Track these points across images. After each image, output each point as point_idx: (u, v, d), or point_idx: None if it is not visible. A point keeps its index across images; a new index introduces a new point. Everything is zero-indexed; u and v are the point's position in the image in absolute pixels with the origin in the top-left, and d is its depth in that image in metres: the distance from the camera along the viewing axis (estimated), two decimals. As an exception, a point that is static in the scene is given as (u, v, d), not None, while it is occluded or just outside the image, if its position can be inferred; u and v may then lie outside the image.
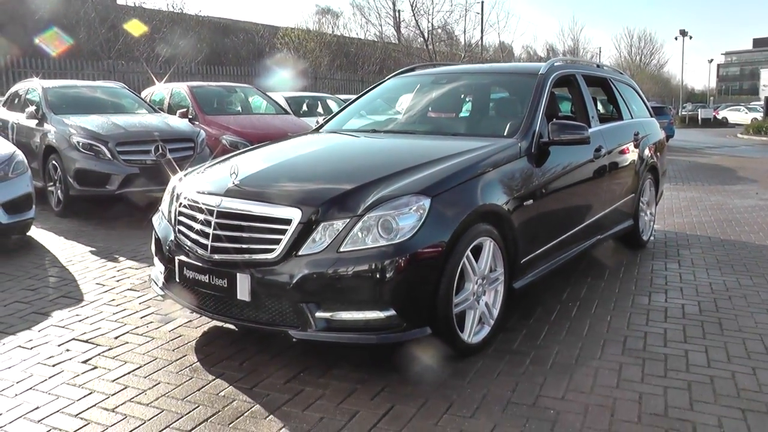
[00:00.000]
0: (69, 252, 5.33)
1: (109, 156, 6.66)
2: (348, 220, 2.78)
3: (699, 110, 39.51)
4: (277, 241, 2.81)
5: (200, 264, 3.00)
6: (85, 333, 3.50)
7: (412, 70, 5.02)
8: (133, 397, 2.72)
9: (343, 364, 3.03)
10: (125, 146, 6.76)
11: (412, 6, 35.26)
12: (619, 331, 3.57)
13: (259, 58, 25.20)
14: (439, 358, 3.04)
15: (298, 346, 3.25)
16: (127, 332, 3.51)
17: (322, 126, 4.60)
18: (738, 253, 5.45)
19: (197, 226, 3.08)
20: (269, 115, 9.74)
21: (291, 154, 3.74)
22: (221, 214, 2.97)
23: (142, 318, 3.74)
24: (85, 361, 3.12)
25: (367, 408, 2.61)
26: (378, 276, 2.72)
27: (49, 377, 2.95)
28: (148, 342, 3.36)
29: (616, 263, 5.04)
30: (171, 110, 9.14)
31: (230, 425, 2.48)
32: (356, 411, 2.59)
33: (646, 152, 5.39)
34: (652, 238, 5.81)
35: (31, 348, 3.31)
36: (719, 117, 38.54)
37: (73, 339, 3.42)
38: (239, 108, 9.89)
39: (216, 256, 2.95)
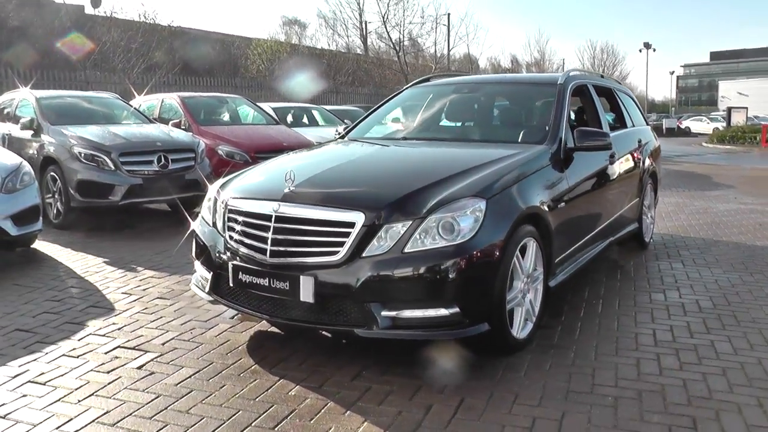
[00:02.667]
0: (82, 263, 5.28)
1: (112, 166, 6.61)
2: (411, 222, 2.89)
3: (663, 120, 40.83)
4: (341, 244, 2.90)
5: (258, 268, 3.06)
6: (129, 341, 3.50)
7: (428, 80, 5.17)
8: (203, 400, 2.76)
9: (399, 362, 3.12)
10: (128, 157, 6.72)
11: (383, 18, 35.72)
12: (647, 325, 3.75)
13: (235, 68, 25.10)
14: (481, 355, 3.17)
15: (348, 347, 3.33)
16: (172, 339, 3.53)
17: (346, 133, 4.69)
18: (732, 252, 5.73)
19: (253, 231, 3.14)
20: (262, 125, 9.77)
21: (334, 160, 3.83)
22: (280, 219, 3.03)
23: (182, 325, 3.76)
24: (139, 368, 3.14)
25: (439, 402, 2.71)
26: (443, 275, 2.83)
27: (108, 383, 2.96)
28: (197, 347, 3.39)
29: (624, 264, 5.25)
30: (162, 121, 9.08)
31: (311, 421, 2.55)
32: (430, 404, 2.68)
33: (648, 159, 5.64)
34: (651, 240, 6.06)
35: (78, 356, 3.30)
36: (682, 127, 39.90)
37: (119, 347, 3.42)
38: (231, 118, 9.89)
39: (276, 260, 3.01)
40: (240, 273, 3.14)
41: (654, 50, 47.06)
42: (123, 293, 4.42)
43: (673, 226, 7.12)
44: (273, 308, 3.10)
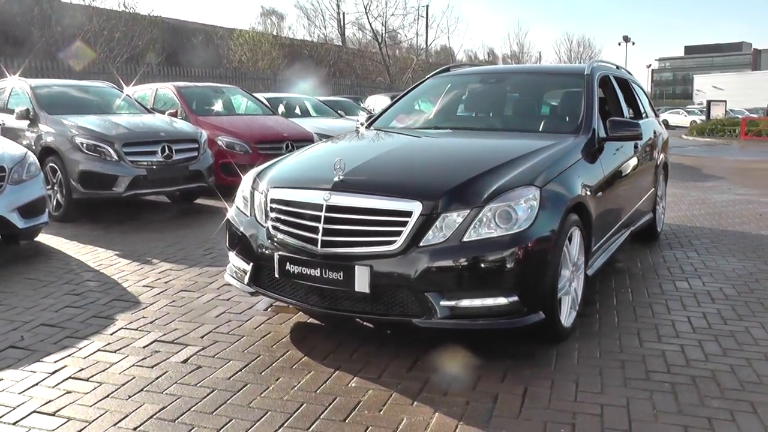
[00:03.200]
0: (93, 256, 5.14)
1: (116, 157, 6.45)
2: (469, 211, 2.86)
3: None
4: (398, 233, 2.86)
5: (308, 258, 3.00)
6: (165, 334, 3.42)
7: (447, 70, 5.12)
8: (262, 393, 2.70)
9: (449, 351, 3.09)
10: (132, 147, 6.56)
11: (365, 9, 35.53)
12: (680, 312, 3.78)
13: (219, 59, 24.74)
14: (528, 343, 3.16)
15: (393, 337, 3.29)
16: (210, 332, 3.45)
17: (371, 123, 4.62)
18: (742, 242, 5.81)
19: (301, 221, 3.07)
20: (259, 115, 9.62)
21: (376, 149, 3.77)
22: (331, 209, 2.97)
23: (216, 317, 3.68)
24: (184, 362, 3.06)
25: (503, 391, 2.69)
26: (502, 264, 2.81)
27: (155, 378, 2.88)
28: (239, 340, 3.32)
29: (640, 254, 5.29)
30: (156, 112, 8.91)
31: (381, 412, 2.51)
32: (495, 393, 2.67)
33: (661, 150, 5.69)
34: (661, 230, 6.12)
35: (115, 351, 3.21)
36: (660, 120, 40.49)
37: (156, 341, 3.33)
38: (227, 108, 9.72)
39: (327, 250, 2.96)
40: (287, 263, 3.07)
41: (633, 44, 47.64)
42: (144, 286, 4.31)
43: (677, 216, 7.21)
44: (322, 299, 3.04)
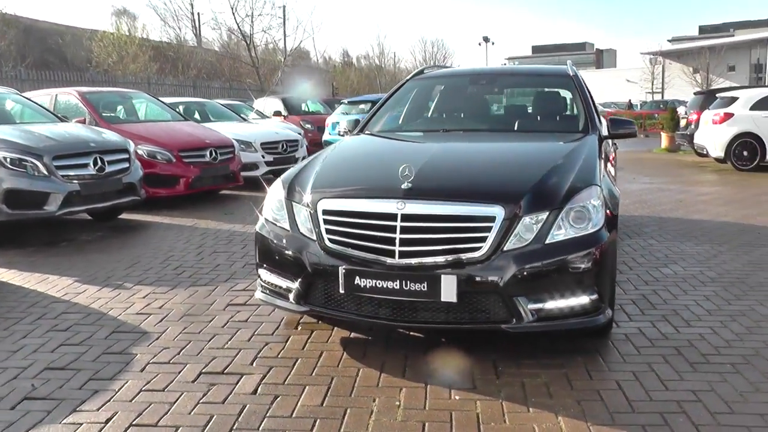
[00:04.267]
0: (50, 285, 4.53)
1: (45, 172, 5.75)
2: (548, 213, 2.89)
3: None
4: (482, 239, 2.82)
5: (384, 271, 2.87)
6: (207, 365, 3.10)
7: (422, 72, 5.10)
8: (371, 417, 2.54)
9: (518, 352, 3.12)
10: (62, 160, 5.89)
11: (232, 9, 34.40)
12: (684, 297, 4.05)
13: (80, 61, 22.73)
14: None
15: (444, 344, 3.24)
16: (256, 357, 3.18)
17: (363, 128, 4.49)
18: (684, 226, 6.34)
19: (369, 233, 2.93)
20: (175, 122, 9.01)
21: (418, 153, 3.67)
22: (408, 218, 2.87)
23: (249, 341, 3.39)
24: (254, 392, 2.80)
25: (601, 388, 2.76)
26: (585, 264, 2.88)
27: (239, 414, 2.61)
28: (296, 363, 3.09)
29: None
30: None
31: (506, 423, 2.47)
32: (595, 389, 2.74)
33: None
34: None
35: (163, 389, 2.86)
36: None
37: (203, 373, 3.01)
38: (137, 115, 9.02)
39: (407, 261, 2.85)
40: (356, 278, 2.92)
41: (493, 44, 50.50)
42: (137, 314, 3.89)
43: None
44: (397, 312, 2.93)
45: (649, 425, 2.45)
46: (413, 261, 2.85)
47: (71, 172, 5.92)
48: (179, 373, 3.03)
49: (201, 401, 2.73)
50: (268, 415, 2.59)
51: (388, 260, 2.88)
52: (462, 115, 4.62)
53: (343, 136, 4.66)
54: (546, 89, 4.69)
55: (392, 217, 2.89)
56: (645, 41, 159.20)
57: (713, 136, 11.53)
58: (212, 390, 2.83)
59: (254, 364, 3.10)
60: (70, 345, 3.42)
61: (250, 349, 3.29)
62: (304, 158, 11.29)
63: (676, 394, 2.70)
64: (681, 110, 18.75)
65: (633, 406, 2.60)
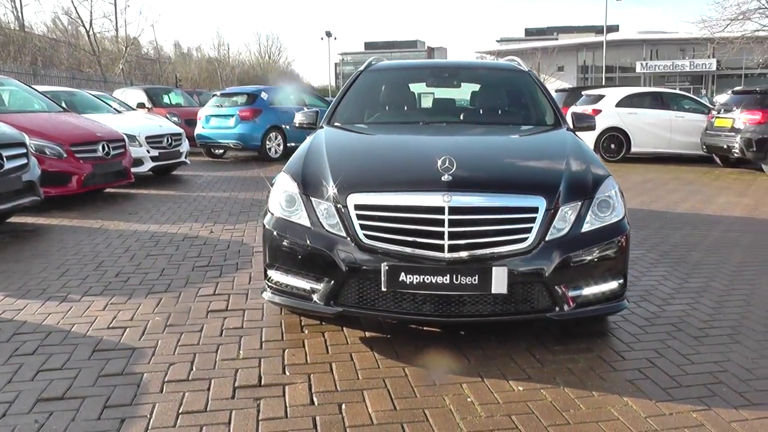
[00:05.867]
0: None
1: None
2: (581, 203, 3.00)
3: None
4: (528, 230, 2.87)
5: (433, 265, 2.81)
6: (237, 380, 2.84)
7: (370, 65, 4.99)
8: (468, 418, 2.48)
9: (538, 343, 3.21)
10: (-46, 156, 5.01)
11: (70, -8, 31.27)
12: (644, 279, 4.40)
13: None
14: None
15: (463, 337, 3.26)
16: (285, 365, 2.96)
17: (330, 121, 4.31)
18: (650, 216, 6.72)
19: (413, 227, 2.85)
20: (56, 113, 8.04)
21: (439, 145, 3.59)
22: (455, 210, 2.83)
23: (267, 349, 3.15)
24: (311, 402, 2.61)
25: (638, 368, 2.92)
26: (615, 250, 3.05)
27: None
28: (334, 368, 2.92)
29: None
30: None
31: (586, 408, 2.54)
32: (639, 368, 2.90)
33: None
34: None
35: (211, 410, 2.58)
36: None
37: (239, 387, 2.75)
38: (11, 104, 7.92)
39: (457, 254, 2.81)
40: (402, 274, 2.82)
41: (335, 39, 51.17)
42: (109, 329, 3.45)
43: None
44: (442, 307, 2.88)
45: (704, 397, 2.65)
46: (464, 254, 2.82)
47: (-35, 170, 5.08)
48: (209, 390, 2.74)
49: (260, 419, 2.49)
50: (348, 425, 2.43)
51: (437, 254, 2.82)
52: (434, 108, 4.64)
53: (306, 129, 4.49)
54: (509, 84, 4.83)
55: (439, 210, 2.83)
56: (474, 41, 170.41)
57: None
58: (263, 404, 2.60)
59: (287, 373, 2.89)
60: (50, 370, 2.95)
61: (270, 357, 3.06)
62: (187, 154, 10.65)
63: (704, 366, 2.94)
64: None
65: (677, 381, 2.79)
